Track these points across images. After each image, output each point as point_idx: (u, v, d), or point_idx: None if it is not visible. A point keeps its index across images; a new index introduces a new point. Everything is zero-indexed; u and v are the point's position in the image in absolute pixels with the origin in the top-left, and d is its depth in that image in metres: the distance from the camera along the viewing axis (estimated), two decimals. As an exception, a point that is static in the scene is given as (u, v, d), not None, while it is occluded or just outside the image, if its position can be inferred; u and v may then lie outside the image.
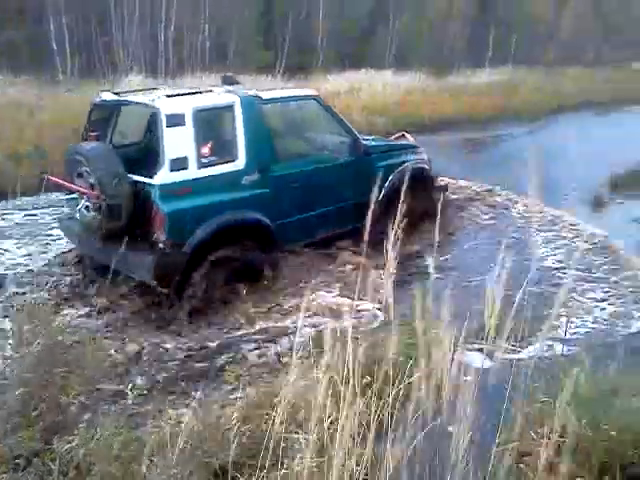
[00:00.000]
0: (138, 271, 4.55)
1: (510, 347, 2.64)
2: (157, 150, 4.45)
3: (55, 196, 6.95)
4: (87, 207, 4.61)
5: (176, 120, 4.43)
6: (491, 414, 2.53)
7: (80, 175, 4.56)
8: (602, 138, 11.17)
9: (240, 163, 4.80)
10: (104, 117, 5.27)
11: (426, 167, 6.48)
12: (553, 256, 5.59)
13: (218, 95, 5.02)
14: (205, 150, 4.64)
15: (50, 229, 6.46)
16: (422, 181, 6.21)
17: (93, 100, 5.27)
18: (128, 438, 2.50)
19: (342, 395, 2.00)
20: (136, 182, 4.48)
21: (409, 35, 30.52)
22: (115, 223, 4.47)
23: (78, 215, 4.71)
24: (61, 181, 4.79)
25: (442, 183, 6.89)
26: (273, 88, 5.71)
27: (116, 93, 5.30)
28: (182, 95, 4.87)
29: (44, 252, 5.88)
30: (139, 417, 3.10)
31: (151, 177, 4.41)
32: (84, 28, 19.70)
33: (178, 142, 4.44)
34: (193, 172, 4.50)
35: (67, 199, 5.06)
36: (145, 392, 3.43)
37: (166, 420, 2.68)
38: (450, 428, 2.03)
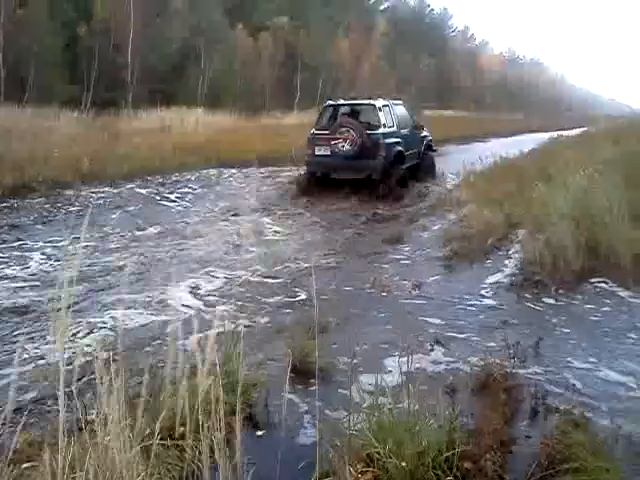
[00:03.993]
0: (371, 171, 10.23)
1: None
2: (377, 120, 10.57)
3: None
4: (343, 146, 10.10)
5: (381, 108, 10.72)
6: (306, 451, 2.57)
7: (341, 132, 10.16)
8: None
9: (394, 126, 10.91)
10: (328, 111, 11.42)
11: (431, 138, 12.92)
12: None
13: (382, 99, 11.23)
14: (387, 121, 10.70)
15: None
16: (430, 146, 12.81)
17: (325, 104, 11.86)
18: None
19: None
20: (369, 133, 10.20)
21: (220, 74, 30.87)
22: (359, 151, 10.05)
23: (337, 150, 10.16)
24: (329, 136, 10.36)
25: (434, 146, 13.11)
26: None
27: (331, 99, 12.18)
28: (374, 99, 11.14)
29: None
30: None
31: (376, 130, 10.39)
32: None
33: (382, 116, 10.59)
34: (386, 130, 10.52)
35: (330, 144, 10.25)
36: None
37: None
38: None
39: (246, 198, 10.72)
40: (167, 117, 20.17)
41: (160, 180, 11.97)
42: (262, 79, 33.34)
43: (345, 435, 2.48)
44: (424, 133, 12.55)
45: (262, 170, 13.92)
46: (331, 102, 11.64)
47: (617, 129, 18.16)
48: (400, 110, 11.73)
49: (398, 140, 10.79)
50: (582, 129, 24.98)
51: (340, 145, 10.12)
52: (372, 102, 10.93)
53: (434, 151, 13.01)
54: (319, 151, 10.50)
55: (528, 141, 18.43)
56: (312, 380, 3.31)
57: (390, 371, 3.47)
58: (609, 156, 9.42)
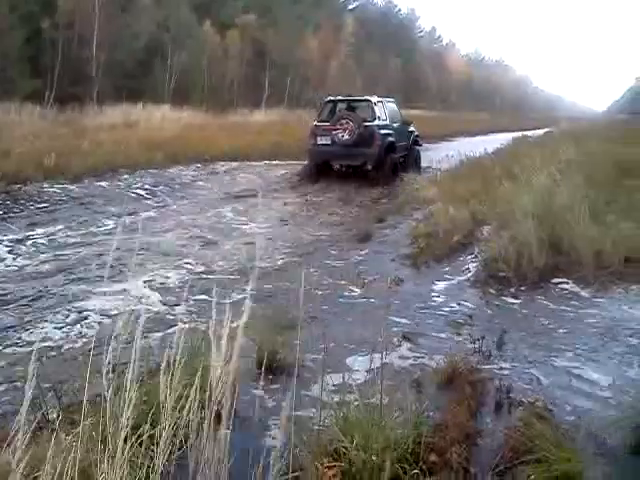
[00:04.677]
0: (367, 158, 11.50)
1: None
2: (372, 113, 11.88)
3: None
4: (343, 135, 11.50)
5: (375, 103, 12.12)
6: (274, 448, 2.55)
7: (341, 123, 11.57)
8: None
9: (387, 120, 12.19)
10: (328, 106, 12.83)
11: (418, 134, 14.06)
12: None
13: (376, 96, 12.58)
14: (381, 114, 12.03)
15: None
16: (417, 141, 13.97)
17: (324, 99, 13.65)
18: None
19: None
20: (365, 125, 11.51)
21: (188, 71, 30.49)
22: (357, 140, 11.40)
23: (337, 139, 11.57)
24: (330, 127, 11.80)
25: (420, 141, 14.32)
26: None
27: (332, 96, 13.38)
28: (369, 95, 12.68)
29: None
30: None
31: (372, 122, 11.68)
32: None
33: (377, 110, 11.95)
34: (380, 122, 11.84)
35: (331, 134, 11.63)
36: None
37: None
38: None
39: (213, 193, 10.64)
40: (133, 113, 19.88)
41: (125, 175, 11.79)
42: (230, 76, 33.09)
43: (313, 431, 2.48)
44: (411, 128, 13.70)
45: (232, 164, 13.97)
46: (331, 98, 13.22)
47: (578, 131, 18.56)
48: (391, 106, 13.10)
49: (390, 132, 12.07)
50: (545, 130, 25.47)
51: (340, 135, 11.56)
52: (368, 97, 12.56)
53: (420, 145, 14.29)
54: (321, 140, 11.92)
55: (493, 141, 18.70)
56: (280, 376, 3.31)
57: (358, 368, 3.49)
58: (571, 156, 9.62)
